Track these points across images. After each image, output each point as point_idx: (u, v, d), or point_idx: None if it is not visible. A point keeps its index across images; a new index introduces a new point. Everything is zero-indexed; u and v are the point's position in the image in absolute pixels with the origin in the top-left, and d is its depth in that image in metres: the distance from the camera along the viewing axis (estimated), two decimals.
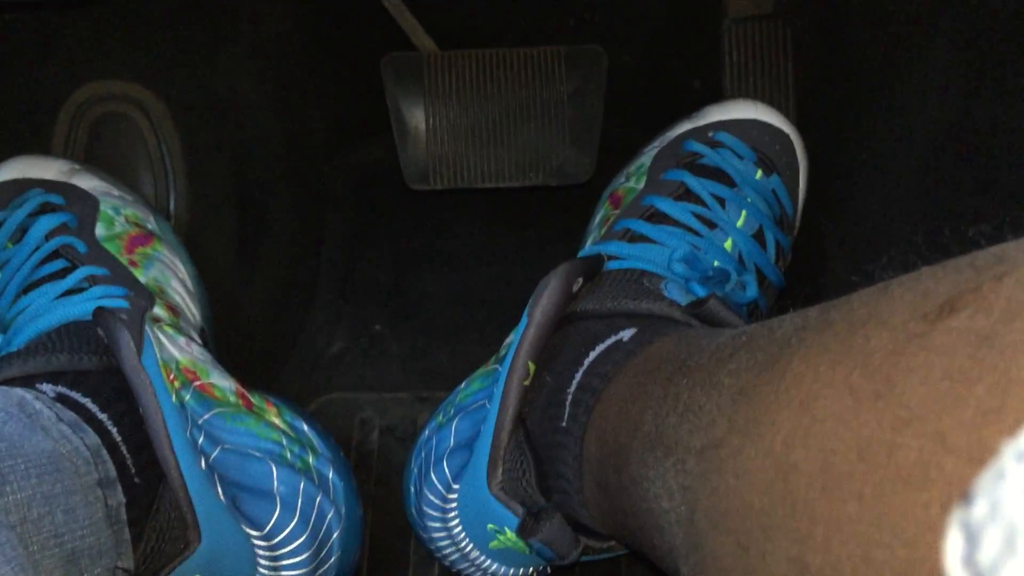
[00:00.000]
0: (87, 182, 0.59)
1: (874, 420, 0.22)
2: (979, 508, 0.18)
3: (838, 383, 0.23)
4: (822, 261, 0.66)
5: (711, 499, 0.28)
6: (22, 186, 0.58)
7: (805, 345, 0.26)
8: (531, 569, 0.55)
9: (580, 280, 0.50)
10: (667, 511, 0.33)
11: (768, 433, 0.26)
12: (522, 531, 0.47)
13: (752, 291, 0.55)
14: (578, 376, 0.48)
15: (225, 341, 0.65)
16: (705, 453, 0.30)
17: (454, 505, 0.52)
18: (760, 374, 0.28)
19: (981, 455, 0.19)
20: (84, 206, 0.57)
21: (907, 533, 0.20)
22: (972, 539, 0.18)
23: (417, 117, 0.74)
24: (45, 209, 0.56)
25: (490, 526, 0.50)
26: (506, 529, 0.49)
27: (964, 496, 0.18)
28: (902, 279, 0.25)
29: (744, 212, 0.56)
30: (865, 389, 0.22)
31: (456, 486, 0.52)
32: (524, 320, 0.48)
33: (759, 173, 0.58)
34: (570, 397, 0.47)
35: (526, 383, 0.48)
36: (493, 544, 0.51)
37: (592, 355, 0.48)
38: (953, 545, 0.18)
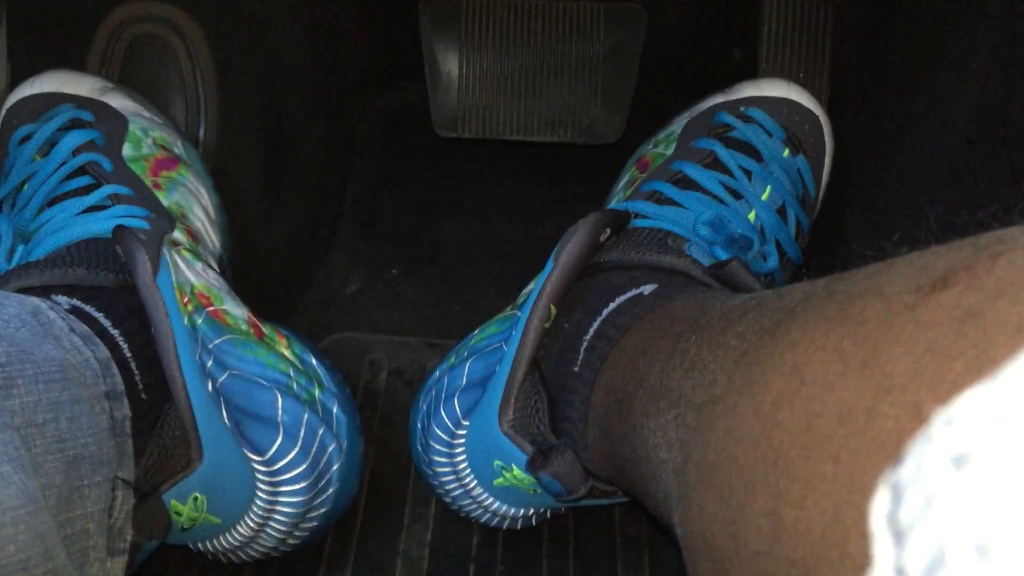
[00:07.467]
0: (118, 101, 0.59)
1: (857, 386, 0.22)
2: (906, 469, 0.18)
3: (829, 348, 0.24)
4: (841, 243, 0.65)
5: (702, 452, 0.29)
6: (54, 100, 0.58)
7: (807, 312, 0.26)
8: (531, 511, 0.56)
9: (608, 231, 0.51)
10: (664, 461, 0.34)
11: (760, 393, 0.26)
12: (531, 466, 0.48)
13: (773, 261, 0.55)
14: (596, 324, 0.48)
15: (243, 271, 0.65)
16: (703, 409, 0.30)
17: (462, 441, 0.53)
18: (763, 337, 0.28)
19: None
20: (113, 125, 0.58)
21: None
22: (897, 498, 0.18)
23: (451, 64, 0.74)
24: (74, 125, 0.57)
25: (497, 463, 0.50)
26: (513, 466, 0.49)
27: (896, 457, 0.19)
28: (908, 255, 0.25)
29: (769, 187, 0.56)
30: (854, 356, 0.23)
31: (466, 423, 0.52)
32: (550, 264, 0.49)
33: (786, 151, 0.58)
34: (585, 343, 0.48)
35: (546, 325, 0.49)
36: (498, 481, 0.52)
37: (612, 305, 0.49)
38: (880, 503, 0.19)
